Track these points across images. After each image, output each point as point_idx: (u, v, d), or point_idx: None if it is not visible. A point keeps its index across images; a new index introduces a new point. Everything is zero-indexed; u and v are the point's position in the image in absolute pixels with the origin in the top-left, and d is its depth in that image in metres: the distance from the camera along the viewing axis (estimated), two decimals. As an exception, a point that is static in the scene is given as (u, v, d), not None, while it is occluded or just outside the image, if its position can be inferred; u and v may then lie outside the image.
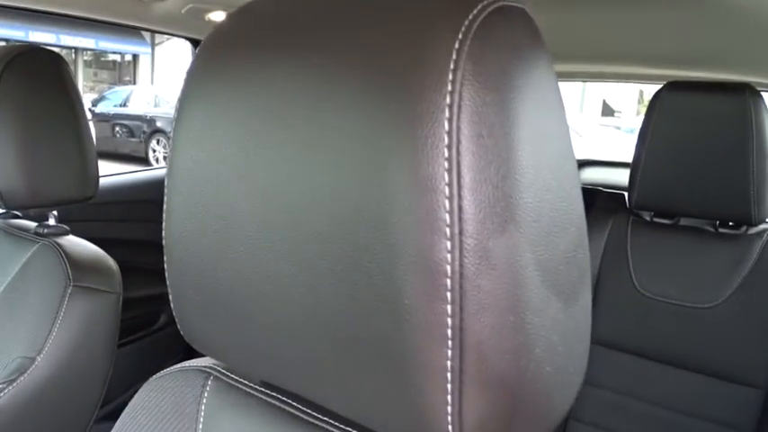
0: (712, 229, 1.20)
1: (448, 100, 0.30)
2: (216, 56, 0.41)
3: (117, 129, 10.54)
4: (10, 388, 0.81)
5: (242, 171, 0.38)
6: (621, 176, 1.30)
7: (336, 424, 0.46)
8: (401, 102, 0.31)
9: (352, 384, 0.36)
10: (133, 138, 10.47)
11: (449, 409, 0.32)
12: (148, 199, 1.72)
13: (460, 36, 0.30)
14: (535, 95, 0.32)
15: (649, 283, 1.21)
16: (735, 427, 1.10)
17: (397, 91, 0.31)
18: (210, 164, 0.40)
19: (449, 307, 0.31)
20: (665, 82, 1.21)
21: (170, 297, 0.46)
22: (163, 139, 10.19)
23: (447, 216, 0.30)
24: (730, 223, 1.19)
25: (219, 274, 0.41)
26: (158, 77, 14.99)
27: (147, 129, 10.45)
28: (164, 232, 0.45)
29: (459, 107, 0.30)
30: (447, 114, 0.30)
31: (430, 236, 0.30)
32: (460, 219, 0.30)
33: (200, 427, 0.51)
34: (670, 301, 1.18)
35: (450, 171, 0.30)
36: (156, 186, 1.78)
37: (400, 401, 0.34)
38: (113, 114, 10.56)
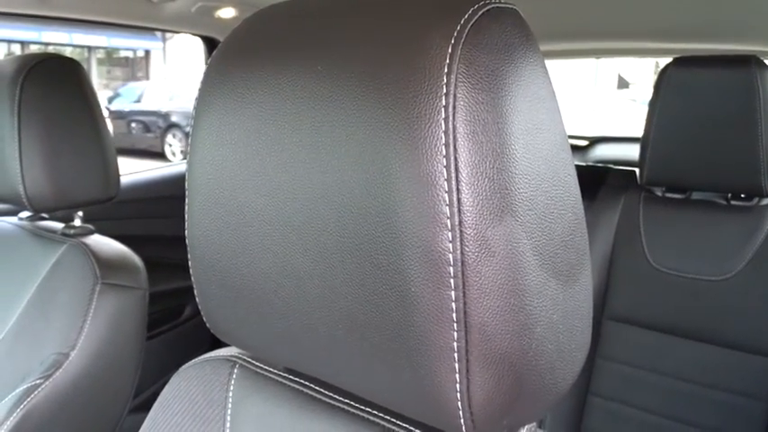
0: (724, 202, 1.21)
1: (443, 102, 0.33)
2: (229, 62, 0.44)
3: (133, 125, 10.63)
4: (47, 383, 0.86)
5: (256, 172, 0.41)
6: (634, 152, 1.31)
7: (356, 405, 0.48)
8: (400, 106, 0.33)
9: (367, 367, 0.39)
10: (149, 133, 10.57)
11: (457, 387, 0.35)
12: (167, 195, 1.76)
13: (453, 41, 0.33)
14: (526, 91, 0.35)
15: (663, 257, 1.22)
16: (751, 395, 1.11)
17: (397, 96, 0.34)
18: (227, 166, 0.43)
19: (453, 293, 0.33)
20: (674, 56, 1.21)
21: (195, 291, 0.49)
22: (178, 134, 10.27)
23: (447, 209, 0.32)
24: (742, 195, 1.19)
25: (240, 268, 0.43)
26: (171, 72, 15.07)
27: (163, 123, 10.53)
28: (187, 231, 0.47)
29: (455, 108, 0.32)
30: (443, 115, 0.32)
31: (432, 228, 0.33)
32: (460, 211, 0.32)
33: (229, 412, 0.54)
34: (684, 275, 1.20)
35: (448, 167, 0.32)
36: (174, 182, 1.82)
37: (413, 382, 0.36)
38: (128, 111, 10.65)
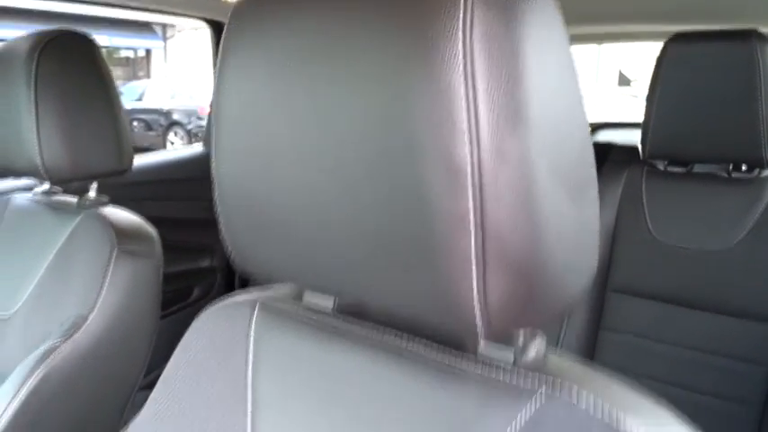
0: (725, 175, 1.23)
1: (461, 20, 0.35)
2: (255, 1, 0.46)
3: (135, 123, 10.68)
4: (67, 344, 0.88)
5: (282, 103, 0.43)
6: (636, 136, 1.33)
7: (376, 334, 0.51)
8: (420, 25, 0.36)
9: (390, 280, 0.41)
10: (151, 131, 10.61)
11: (474, 291, 0.37)
12: (178, 178, 1.79)
13: None
14: (538, 13, 0.37)
15: (665, 230, 1.25)
16: (752, 361, 1.13)
17: (417, 16, 0.36)
18: (254, 99, 0.45)
19: (470, 201, 0.36)
20: None
21: (222, 228, 0.51)
22: (180, 131, 10.31)
23: (465, 117, 0.35)
24: (743, 168, 1.21)
25: (267, 198, 0.46)
26: (172, 70, 15.10)
27: (165, 121, 10.58)
28: (214, 169, 0.50)
29: (471, 25, 0.35)
30: (461, 33, 0.35)
31: (450, 137, 0.35)
32: (477, 120, 0.35)
33: (251, 349, 0.56)
34: (686, 247, 1.22)
35: (465, 79, 0.35)
36: (184, 165, 1.85)
37: (433, 289, 0.39)
38: (130, 109, 10.69)
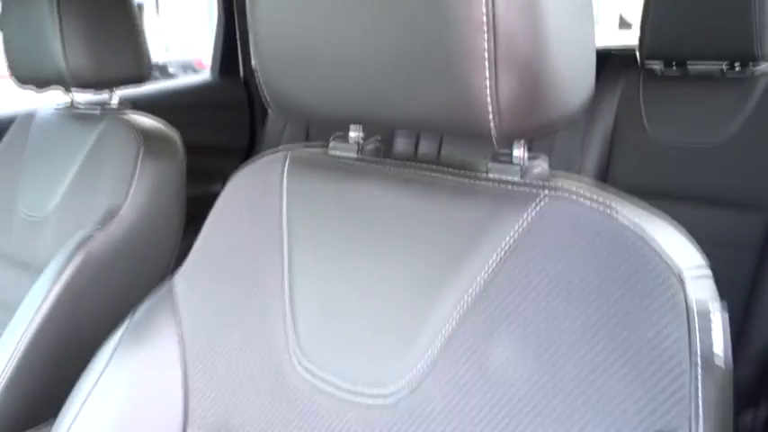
0: (719, 74, 1.28)
1: None
2: None
3: (131, 78, 10.56)
4: (102, 232, 0.95)
5: None
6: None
7: (394, 168, 0.57)
8: None
9: (412, 90, 0.47)
10: (147, 85, 10.51)
11: (488, 90, 0.43)
12: (187, 105, 1.83)
13: None
14: None
15: (661, 130, 1.30)
16: (745, 246, 1.21)
17: None
18: None
19: (483, 7, 0.41)
20: None
21: (258, 74, 0.57)
22: (177, 85, 10.20)
23: None
24: (736, 68, 1.26)
25: (299, 35, 0.51)
26: (165, 23, 14.86)
27: (160, 75, 10.47)
28: (249, 16, 0.55)
29: None
30: None
31: None
32: None
33: (284, 195, 0.62)
34: (681, 144, 1.28)
35: None
36: (194, 93, 1.89)
37: (451, 92, 0.45)
38: (126, 64, 10.54)
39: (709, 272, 0.46)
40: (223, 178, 2.15)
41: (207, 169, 1.94)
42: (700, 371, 0.40)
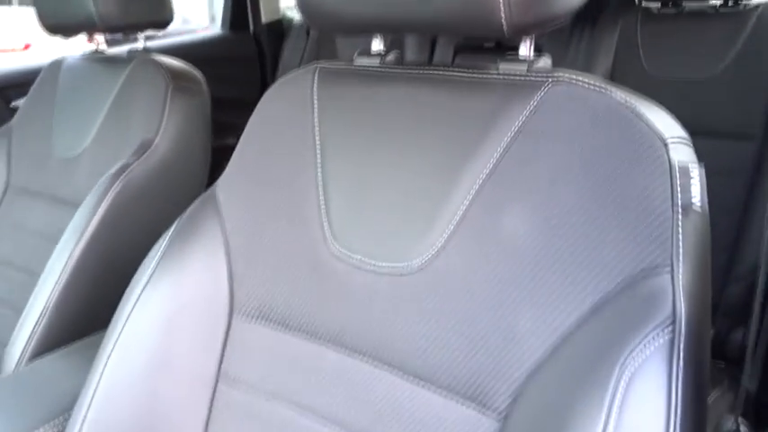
0: (713, 11, 1.34)
1: None
2: None
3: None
4: (138, 162, 1.02)
5: None
6: None
7: (414, 70, 0.64)
8: None
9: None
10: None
11: None
12: (201, 59, 1.89)
13: None
14: None
15: (658, 66, 1.37)
16: (737, 174, 1.28)
17: None
18: None
19: None
20: None
21: None
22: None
23: None
24: (729, 3, 1.32)
25: None
26: None
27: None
28: None
29: None
30: None
31: None
32: None
33: (315, 103, 0.70)
34: (677, 79, 1.34)
35: None
36: (207, 46, 1.94)
37: None
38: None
39: (689, 142, 0.53)
40: (236, 131, 2.22)
41: (221, 122, 2.01)
42: (680, 217, 0.48)
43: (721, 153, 1.30)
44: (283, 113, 0.72)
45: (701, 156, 0.54)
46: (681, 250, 0.48)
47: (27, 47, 3.58)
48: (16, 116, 1.33)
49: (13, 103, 1.55)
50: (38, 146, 1.24)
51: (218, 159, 2.00)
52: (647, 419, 0.42)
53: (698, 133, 1.36)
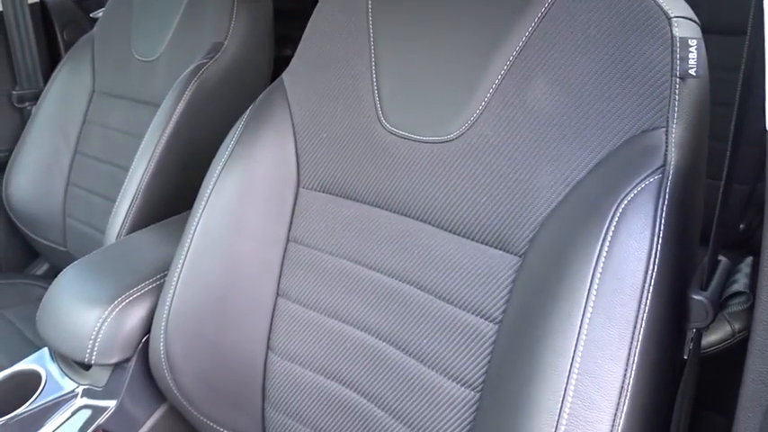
0: None
1: None
2: None
3: None
4: (211, 62, 1.14)
5: None
6: None
7: None
8: None
9: None
10: None
11: None
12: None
13: None
14: None
15: None
16: (733, 69, 1.30)
17: None
18: None
19: None
20: None
21: None
22: None
23: None
24: None
25: None
26: None
27: None
28: None
29: None
30: None
31: None
32: None
33: (369, 3, 0.79)
34: None
35: None
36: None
37: None
38: None
39: (694, 18, 0.60)
40: (293, 43, 2.30)
41: (280, 33, 2.10)
42: (678, 83, 0.56)
43: (716, 49, 1.29)
44: (340, 10, 0.82)
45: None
46: (676, 111, 0.56)
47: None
48: (97, 25, 1.45)
49: (93, 14, 1.68)
50: (118, 52, 1.36)
51: (278, 70, 2.12)
52: (633, 247, 0.52)
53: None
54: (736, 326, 0.54)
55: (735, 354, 0.53)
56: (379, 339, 0.73)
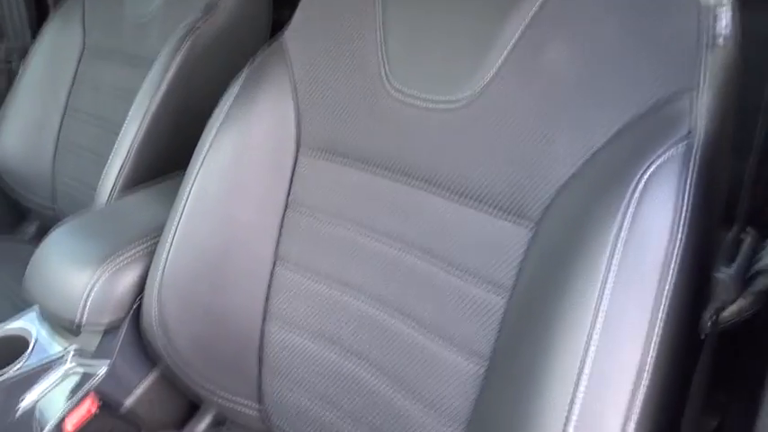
0: None
1: None
2: None
3: None
4: (206, 20, 1.10)
5: None
6: None
7: None
8: None
9: None
10: None
11: None
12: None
13: None
14: None
15: None
16: None
17: None
18: None
19: None
20: None
21: None
22: None
23: None
24: None
25: None
26: None
27: None
28: None
29: None
30: None
31: None
32: None
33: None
34: None
35: None
36: None
37: None
38: None
39: None
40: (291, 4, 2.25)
41: None
42: (706, 49, 0.53)
43: None
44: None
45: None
46: (702, 78, 0.53)
47: None
48: (88, -18, 1.39)
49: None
50: (110, 8, 1.31)
51: (276, 31, 2.07)
52: (657, 219, 0.50)
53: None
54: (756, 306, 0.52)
55: (734, 334, 0.51)
56: (381, 307, 0.70)
